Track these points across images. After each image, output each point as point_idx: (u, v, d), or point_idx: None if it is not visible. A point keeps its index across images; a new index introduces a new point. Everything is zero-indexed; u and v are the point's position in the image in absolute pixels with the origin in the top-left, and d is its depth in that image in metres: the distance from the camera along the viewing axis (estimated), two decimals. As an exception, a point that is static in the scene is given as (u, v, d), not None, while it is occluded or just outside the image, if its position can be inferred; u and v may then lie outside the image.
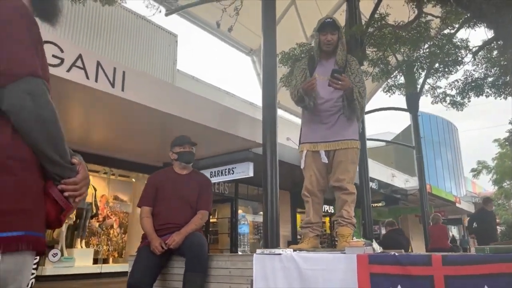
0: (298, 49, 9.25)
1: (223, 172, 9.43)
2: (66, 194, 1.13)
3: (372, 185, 13.00)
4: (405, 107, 12.96)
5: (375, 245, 2.20)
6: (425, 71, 9.56)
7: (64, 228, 8.52)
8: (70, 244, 8.93)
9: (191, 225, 2.90)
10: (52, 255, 8.02)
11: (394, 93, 10.71)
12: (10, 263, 1.00)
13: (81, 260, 8.78)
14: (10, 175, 1.02)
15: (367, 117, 10.22)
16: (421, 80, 11.05)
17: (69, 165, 1.13)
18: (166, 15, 9.59)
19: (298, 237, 14.31)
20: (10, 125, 1.04)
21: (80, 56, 5.45)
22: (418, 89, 11.69)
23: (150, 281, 2.75)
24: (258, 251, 2.46)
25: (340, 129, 2.90)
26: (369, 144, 13.34)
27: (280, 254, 2.34)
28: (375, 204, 15.41)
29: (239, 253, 2.81)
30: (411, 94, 11.97)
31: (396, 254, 2.02)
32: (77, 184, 1.14)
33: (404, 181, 19.34)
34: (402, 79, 10.62)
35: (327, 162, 2.88)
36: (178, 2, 10.28)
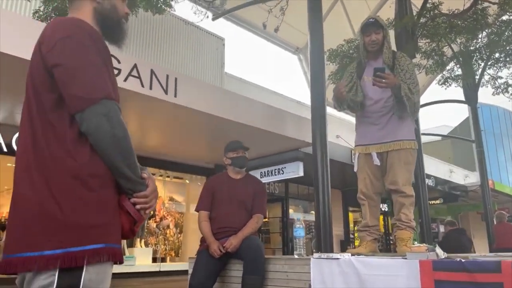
0: (346, 45, 9.07)
1: (273, 172, 9.48)
2: (138, 207, 1.21)
3: (429, 182, 12.45)
4: (462, 99, 12.28)
5: (439, 250, 2.12)
6: (484, 61, 9.00)
7: (125, 228, 8.97)
8: (131, 244, 9.40)
9: (248, 229, 2.96)
10: (115, 254, 8.48)
11: (450, 85, 10.20)
12: (93, 273, 1.09)
13: (141, 259, 9.22)
14: (91, 191, 1.11)
15: (421, 111, 9.81)
16: (479, 71, 10.42)
17: (140, 179, 1.21)
18: (213, 19, 9.79)
19: (351, 236, 14.05)
20: (89, 145, 1.14)
21: (135, 66, 5.73)
22: (477, 80, 11.03)
23: (210, 283, 2.84)
24: (315, 255, 2.46)
25: (392, 130, 2.81)
26: (424, 139, 12.79)
27: (338, 258, 2.32)
28: (433, 202, 14.75)
29: (295, 256, 2.82)
30: (469, 86, 11.32)
31: (462, 260, 1.94)
32: (147, 197, 1.22)
33: (463, 177, 18.32)
34: (458, 71, 10.06)
35: (379, 164, 2.82)
36: (225, 6, 10.46)
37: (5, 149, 6.60)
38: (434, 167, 15.69)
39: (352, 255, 2.38)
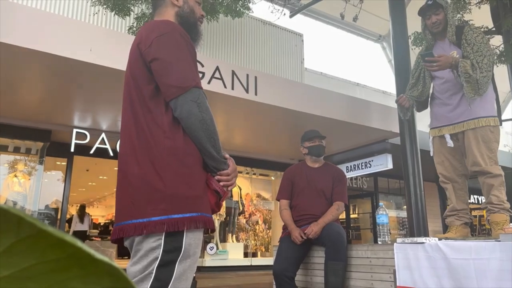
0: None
1: (360, 166, 9.21)
2: (221, 183, 1.36)
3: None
4: None
5: (538, 231, 1.91)
6: None
7: (217, 224, 9.48)
8: (223, 239, 9.89)
9: (328, 216, 2.96)
10: (209, 248, 9.00)
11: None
12: (192, 238, 1.25)
13: (233, 253, 9.64)
14: (187, 167, 1.28)
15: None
16: None
17: (223, 159, 1.36)
18: (291, 16, 9.85)
19: (452, 232, 13.00)
20: (182, 128, 1.31)
21: (217, 68, 6.04)
22: None
23: (293, 269, 2.90)
24: (399, 240, 2.38)
25: (466, 108, 2.61)
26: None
27: (423, 242, 2.22)
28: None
29: (379, 243, 2.76)
30: None
31: None
32: (229, 175, 1.37)
33: None
34: None
35: (452, 146, 2.64)
36: (301, 2, 10.46)
37: (111, 154, 7.42)
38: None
39: (439, 239, 2.25)
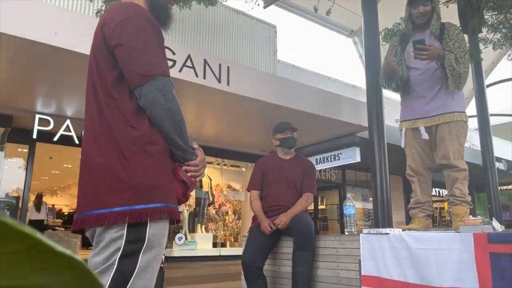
0: (403, 23, 8.65)
1: (329, 159, 9.37)
2: (189, 174, 1.33)
3: (499, 165, 11.59)
4: (538, 74, 11.19)
5: (495, 223, 2.01)
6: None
7: (186, 214, 9.42)
8: (192, 229, 9.84)
9: (297, 207, 3.00)
10: (178, 238, 8.94)
11: (522, 59, 9.31)
12: (156, 229, 1.22)
13: (202, 243, 9.63)
14: (151, 157, 1.24)
15: (489, 91, 9.12)
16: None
17: (191, 149, 1.33)
18: (265, 7, 9.80)
19: (414, 224, 13.50)
20: (147, 117, 1.27)
21: (189, 56, 5.94)
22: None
23: (262, 259, 2.93)
24: (365, 231, 2.44)
25: (442, 102, 2.69)
26: (494, 120, 11.87)
27: (388, 233, 2.29)
28: (505, 187, 13.71)
29: (346, 233, 2.82)
30: (545, 59, 10.27)
31: (521, 232, 1.83)
32: (197, 165, 1.34)
33: (541, 160, 16.75)
34: (531, 43, 9.17)
35: (427, 139, 2.71)
36: (275, -7, 10.41)
37: (76, 141, 7.19)
38: (507, 150, 14.53)
39: (403, 230, 2.33)
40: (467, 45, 8.19)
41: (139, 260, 1.17)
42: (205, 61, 6.14)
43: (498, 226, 2.01)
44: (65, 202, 14.91)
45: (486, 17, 7.94)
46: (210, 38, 10.00)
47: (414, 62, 2.79)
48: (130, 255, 1.17)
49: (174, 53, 5.73)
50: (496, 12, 7.87)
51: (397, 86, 2.90)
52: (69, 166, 10.63)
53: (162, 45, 1.35)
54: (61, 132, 7.15)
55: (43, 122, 6.97)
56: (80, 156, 1.34)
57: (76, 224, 1.25)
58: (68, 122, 7.22)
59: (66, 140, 7.23)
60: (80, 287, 0.32)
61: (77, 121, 7.23)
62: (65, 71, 5.48)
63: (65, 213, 13.48)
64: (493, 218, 2.08)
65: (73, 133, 7.25)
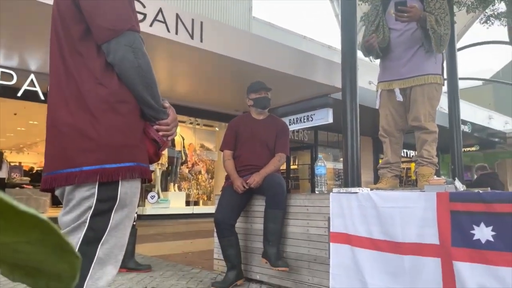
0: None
1: (302, 119, 9.44)
2: (160, 133, 1.30)
3: (465, 128, 12.04)
4: (507, 39, 11.45)
5: (458, 183, 2.11)
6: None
7: (158, 173, 9.40)
8: (165, 188, 9.87)
9: (270, 166, 3.04)
10: (150, 197, 8.97)
11: (492, 24, 9.47)
12: (127, 187, 1.21)
13: (175, 202, 9.71)
14: (120, 115, 1.21)
15: (460, 54, 9.29)
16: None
17: (162, 108, 1.30)
18: (240, -40, 9.39)
19: (381, 183, 14.04)
20: (116, 75, 1.21)
21: (160, 10, 5.68)
22: (524, 17, 10.15)
23: (234, 217, 2.99)
24: (335, 190, 2.51)
25: (417, 64, 2.71)
26: (463, 84, 12.21)
27: (356, 192, 2.36)
28: (468, 149, 14.36)
29: (316, 192, 2.90)
30: (514, 24, 10.48)
31: (480, 191, 1.93)
32: (169, 125, 1.31)
33: (503, 123, 17.56)
34: (502, 7, 9.29)
35: (401, 100, 2.75)
36: None
37: (42, 97, 6.90)
38: (472, 113, 15.08)
39: (371, 190, 2.41)
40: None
41: (111, 218, 1.17)
42: (177, 16, 5.90)
43: (460, 186, 2.12)
44: (33, 160, 14.53)
45: (461, -21, 7.92)
46: (183, -9, 9.56)
47: (394, 23, 2.78)
48: (102, 214, 1.16)
49: (144, 6, 5.46)
50: (471, -25, 7.85)
51: (376, 56, 2.92)
52: (35, 122, 10.26)
53: (132, 0, 1.27)
54: (25, 87, 6.83)
55: (5, 76, 6.61)
56: (46, 113, 1.28)
57: (45, 183, 1.23)
58: (32, 76, 6.89)
59: (30, 96, 6.93)
60: (46, 245, 0.31)
61: (42, 76, 6.90)
62: (27, 22, 5.14)
63: (33, 171, 13.17)
64: (456, 178, 2.18)
65: (38, 88, 6.94)
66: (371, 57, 2.98)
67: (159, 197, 9.27)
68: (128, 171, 1.19)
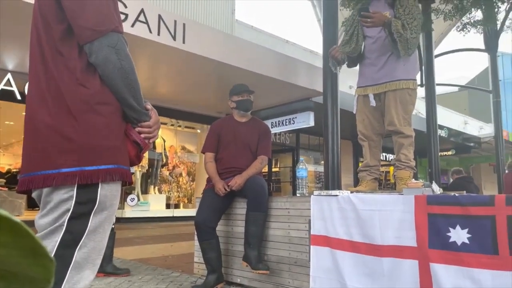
0: (361, -10, 8.65)
1: (284, 122, 9.49)
2: (142, 135, 1.29)
3: (441, 132, 12.34)
4: (482, 47, 11.80)
5: (435, 186, 2.16)
6: (505, 3, 8.51)
7: (138, 176, 9.28)
8: (145, 191, 9.75)
9: (252, 169, 3.04)
10: (130, 199, 8.83)
11: (469, 31, 9.73)
12: (107, 190, 1.19)
13: (155, 204, 9.59)
14: (101, 116, 1.18)
15: (438, 61, 9.52)
16: (501, 15, 9.88)
17: (144, 110, 1.28)
18: (223, -37, 9.39)
19: (361, 186, 14.23)
20: (98, 75, 1.19)
21: (142, 11, 5.63)
22: (498, 26, 10.50)
23: (215, 219, 2.98)
24: (316, 192, 2.53)
25: (390, 70, 2.79)
26: (440, 90, 12.51)
27: (337, 195, 2.39)
28: (444, 153, 14.71)
29: (297, 195, 2.92)
30: (489, 32, 10.84)
31: (457, 194, 1.98)
32: (151, 127, 1.30)
33: (478, 128, 18.07)
34: (478, 15, 9.58)
35: (374, 105, 2.83)
36: None
37: (18, 97, 6.73)
38: (448, 118, 15.46)
39: (351, 192, 2.44)
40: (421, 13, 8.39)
41: (89, 222, 1.15)
42: (160, 17, 5.86)
43: (437, 189, 2.16)
44: (8, 162, 14.13)
45: (439, -13, 8.13)
46: (165, -8, 9.49)
47: (368, 31, 2.86)
48: (80, 216, 1.14)
49: (126, 6, 5.40)
50: (449, -17, 8.06)
51: (348, 65, 3.03)
52: (11, 123, 9.99)
53: (115, 1, 1.26)
54: (1, 86, 6.65)
55: (-21, 75, 6.43)
56: (23, 113, 1.25)
57: (22, 184, 1.20)
58: (9, 76, 6.71)
59: (7, 96, 6.74)
60: (19, 248, 0.31)
61: (19, 75, 6.73)
62: (3, 20, 5.01)
63: (9, 173, 12.81)
64: (433, 182, 2.23)
65: (14, 88, 6.76)
66: (341, 66, 3.08)
67: (138, 199, 9.14)
68: (108, 173, 1.17)
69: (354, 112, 2.99)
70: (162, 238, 6.27)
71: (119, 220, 8.15)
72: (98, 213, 1.17)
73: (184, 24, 6.13)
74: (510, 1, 8.34)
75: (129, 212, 8.90)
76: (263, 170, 3.32)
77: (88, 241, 1.15)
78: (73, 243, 1.12)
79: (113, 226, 3.27)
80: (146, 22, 5.66)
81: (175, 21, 6.04)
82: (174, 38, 5.97)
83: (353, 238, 2.25)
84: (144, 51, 6.14)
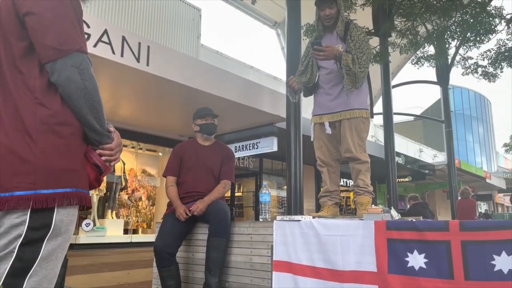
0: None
1: (248, 147, 9.52)
2: (103, 158, 1.25)
3: (398, 160, 12.83)
4: (435, 80, 12.56)
5: (393, 212, 2.22)
6: (455, 40, 9.18)
7: (95, 199, 8.91)
8: (102, 215, 9.34)
9: (214, 193, 3.00)
10: (85, 224, 8.43)
11: (423, 65, 10.38)
12: (64, 215, 1.13)
13: (112, 230, 9.20)
14: (61, 138, 1.14)
15: (394, 92, 9.99)
16: (452, 51, 10.62)
17: (107, 132, 1.25)
18: (190, -12, 9.53)
19: (323, 211, 14.39)
20: (59, 95, 1.15)
21: (106, 31, 5.56)
22: (449, 60, 11.27)
23: (175, 245, 2.88)
24: (278, 217, 2.52)
25: (344, 100, 2.92)
26: (397, 119, 13.10)
27: (299, 220, 2.39)
28: (401, 179, 15.25)
29: (260, 220, 2.90)
30: (441, 66, 11.59)
31: (414, 220, 2.04)
32: (112, 149, 1.26)
33: (432, 156, 18.94)
34: (431, 50, 10.25)
35: (330, 133, 2.93)
36: (201, -25, 10.18)
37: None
38: (405, 146, 16.13)
39: (313, 217, 2.46)
40: (377, 47, 8.85)
41: (42, 248, 1.09)
42: (124, 38, 5.80)
43: (395, 215, 2.22)
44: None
45: (396, 23, 8.66)
46: (131, 15, 9.47)
47: (323, 62, 2.99)
48: (32, 243, 1.07)
49: (89, 26, 5.32)
50: (405, 19, 8.62)
51: (304, 95, 3.14)
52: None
53: (81, 18, 1.23)
54: None
55: None
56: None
57: None
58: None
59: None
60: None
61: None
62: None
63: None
64: (392, 207, 2.29)
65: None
66: (299, 96, 3.19)
67: (94, 224, 8.74)
68: (65, 197, 1.12)
69: (312, 140, 3.07)
70: (118, 265, 5.98)
71: (72, 246, 7.73)
72: (51, 239, 1.10)
73: (148, 47, 6.10)
74: (460, 38, 8.99)
75: (84, 237, 8.47)
76: (225, 195, 3.28)
77: (40, 269, 1.08)
78: (23, 271, 1.05)
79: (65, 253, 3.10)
80: (110, 43, 5.59)
81: (139, 43, 6.00)
82: (138, 60, 5.92)
83: (315, 263, 2.25)
84: (106, 72, 6.03)
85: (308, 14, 8.29)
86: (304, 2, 6.56)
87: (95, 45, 5.40)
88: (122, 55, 5.73)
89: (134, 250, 8.52)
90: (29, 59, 1.15)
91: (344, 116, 2.89)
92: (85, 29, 5.26)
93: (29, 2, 1.14)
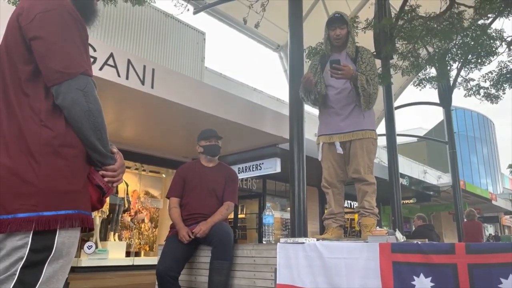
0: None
1: (251, 168, 9.51)
2: (106, 179, 1.26)
3: (403, 181, 12.75)
4: (437, 101, 12.61)
5: (398, 234, 2.19)
6: (456, 62, 9.26)
7: (98, 221, 8.85)
8: (104, 237, 9.26)
9: (217, 215, 2.98)
10: (87, 247, 8.35)
11: (425, 86, 10.44)
12: (66, 237, 1.13)
13: (114, 252, 9.10)
14: (64, 159, 1.15)
15: (397, 113, 10.02)
16: (454, 73, 10.70)
17: (110, 154, 1.26)
18: (194, 13, 9.74)
19: (327, 233, 14.20)
20: (63, 117, 1.17)
21: (111, 55, 5.65)
22: (451, 82, 11.34)
23: (178, 269, 2.85)
24: (282, 240, 2.50)
25: (355, 120, 2.91)
26: (400, 140, 13.09)
27: (303, 243, 2.37)
28: (406, 201, 15.11)
29: (264, 242, 2.87)
30: (443, 88, 11.66)
31: (419, 242, 2.01)
32: (115, 171, 1.27)
33: (436, 178, 18.81)
34: (433, 72, 10.33)
35: (342, 153, 2.91)
36: (206, 0, 10.42)
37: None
38: (409, 168, 16.06)
39: (317, 240, 2.43)
40: (379, 69, 8.95)
41: (44, 271, 1.08)
42: (129, 61, 5.89)
43: (400, 237, 2.20)
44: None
45: (397, 45, 8.77)
46: (136, 39, 9.66)
47: (332, 81, 2.98)
48: (34, 265, 1.07)
49: (95, 50, 5.42)
50: (406, 42, 8.72)
51: (315, 99, 3.04)
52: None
53: (86, 42, 1.26)
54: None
55: None
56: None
57: None
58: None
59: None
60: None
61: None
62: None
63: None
64: (397, 230, 2.27)
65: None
66: (310, 99, 3.05)
67: (97, 247, 8.66)
68: (67, 219, 1.12)
69: (320, 160, 3.05)
70: (120, 289, 5.89)
71: (73, 269, 7.66)
72: (53, 261, 1.10)
73: (153, 69, 6.19)
74: (461, 60, 9.07)
75: (86, 260, 8.38)
76: (229, 217, 3.26)
77: None
78: None
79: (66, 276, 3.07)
80: (115, 66, 5.67)
81: (144, 66, 6.09)
82: (143, 82, 5.99)
83: (319, 286, 2.21)
84: (112, 94, 6.10)
85: (310, 37, 8.43)
86: (306, 25, 6.69)
87: (101, 68, 5.48)
88: (127, 78, 5.81)
89: (136, 273, 8.41)
90: (35, 82, 1.18)
91: (356, 136, 2.88)
92: (92, 53, 5.36)
93: (35, 26, 1.17)
